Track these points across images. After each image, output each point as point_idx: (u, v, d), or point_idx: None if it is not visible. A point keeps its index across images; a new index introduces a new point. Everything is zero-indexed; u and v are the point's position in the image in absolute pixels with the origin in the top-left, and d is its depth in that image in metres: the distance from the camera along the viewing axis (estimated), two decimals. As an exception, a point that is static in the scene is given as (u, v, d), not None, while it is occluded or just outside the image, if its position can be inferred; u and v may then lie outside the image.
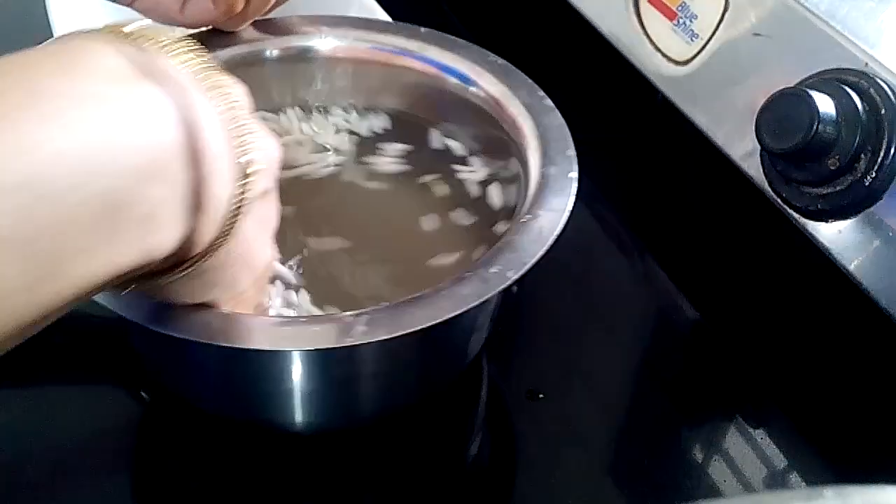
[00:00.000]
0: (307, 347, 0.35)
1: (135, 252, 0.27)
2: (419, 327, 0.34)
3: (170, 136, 0.27)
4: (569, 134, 0.44)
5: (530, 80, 0.47)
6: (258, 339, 0.34)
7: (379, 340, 0.34)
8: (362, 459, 0.44)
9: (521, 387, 0.47)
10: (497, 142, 0.47)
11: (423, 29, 0.50)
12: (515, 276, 0.36)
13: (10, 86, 0.24)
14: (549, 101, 0.46)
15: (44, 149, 0.23)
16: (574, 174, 0.41)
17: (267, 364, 0.39)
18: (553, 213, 0.39)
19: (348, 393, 0.42)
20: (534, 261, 0.37)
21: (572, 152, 0.43)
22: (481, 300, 0.35)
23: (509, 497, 0.44)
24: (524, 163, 0.44)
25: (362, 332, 0.34)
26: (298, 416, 0.41)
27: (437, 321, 0.34)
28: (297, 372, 0.39)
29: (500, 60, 0.48)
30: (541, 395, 0.47)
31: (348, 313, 0.35)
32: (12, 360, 0.25)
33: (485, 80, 0.48)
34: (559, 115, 0.45)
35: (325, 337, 0.34)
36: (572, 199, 0.40)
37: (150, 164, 0.26)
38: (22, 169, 0.23)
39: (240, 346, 0.34)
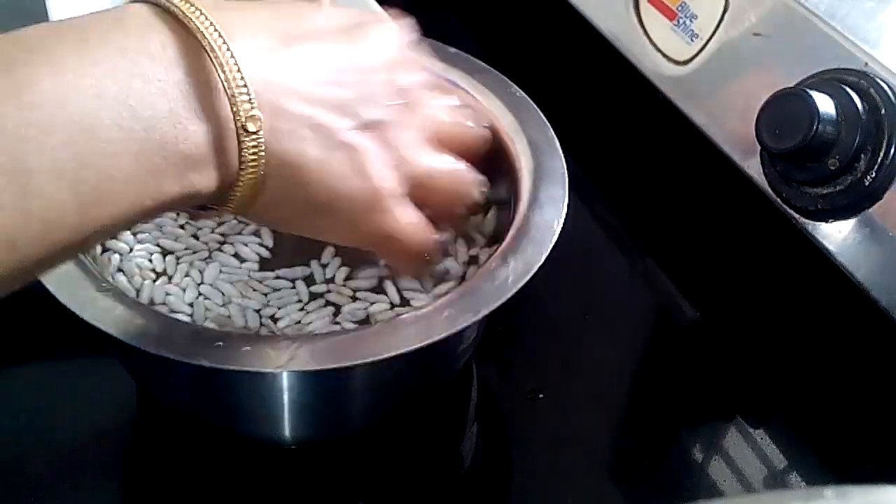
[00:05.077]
0: (232, 367, 0.34)
1: (177, 186, 0.30)
2: (347, 364, 0.34)
3: (172, 89, 0.30)
4: (566, 180, 0.42)
5: (543, 117, 0.46)
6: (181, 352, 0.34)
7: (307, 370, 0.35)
8: (360, 462, 0.44)
9: (522, 387, 0.47)
10: (497, 175, 0.47)
11: (451, 49, 0.48)
12: (462, 326, 0.36)
13: (65, 33, 0.29)
14: (556, 143, 0.44)
15: (88, 91, 0.28)
16: (558, 224, 0.40)
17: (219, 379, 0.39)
18: (524, 262, 0.38)
19: (329, 408, 0.41)
20: (488, 311, 0.36)
21: (564, 200, 0.41)
22: (421, 345, 0.35)
23: (509, 497, 0.44)
24: (513, 202, 0.43)
25: (294, 360, 0.34)
26: (279, 430, 0.41)
27: (364, 361, 0.34)
28: (259, 388, 0.39)
29: (520, 92, 0.47)
30: (541, 395, 0.47)
31: (285, 337, 0.36)
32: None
33: (498, 109, 0.46)
34: (563, 158, 0.44)
35: (255, 360, 0.34)
36: (548, 250, 0.39)
37: (179, 110, 0.29)
38: (70, 106, 0.27)
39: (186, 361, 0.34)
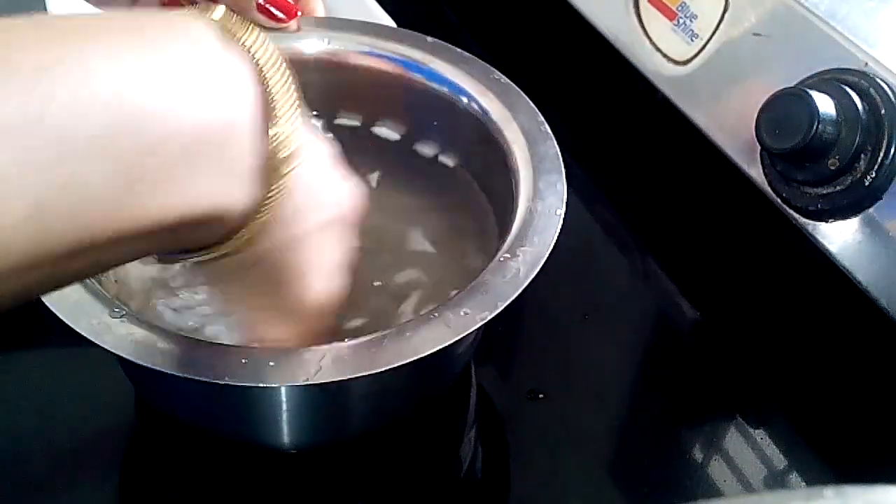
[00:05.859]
0: (262, 384, 0.34)
1: (206, 198, 0.29)
2: (376, 371, 0.34)
3: (248, 101, 0.30)
4: (562, 166, 0.42)
5: (531, 104, 0.46)
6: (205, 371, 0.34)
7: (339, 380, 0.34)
8: (360, 464, 0.44)
9: (522, 387, 0.47)
10: (490, 165, 0.47)
11: (429, 39, 0.49)
12: (483, 322, 0.35)
13: (116, 26, 0.28)
14: (546, 128, 0.44)
15: (138, 81, 0.26)
16: (561, 211, 0.40)
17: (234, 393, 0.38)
18: (532, 253, 0.38)
19: (331, 415, 0.41)
20: (505, 304, 0.36)
21: (563, 187, 0.41)
22: (443, 345, 0.35)
23: (509, 497, 0.44)
24: (514, 192, 0.43)
25: (322, 371, 0.34)
26: (281, 436, 0.41)
27: (392, 366, 0.34)
28: (267, 399, 0.39)
29: (504, 79, 0.47)
30: (541, 395, 0.47)
31: (307, 350, 0.35)
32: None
33: (486, 98, 0.46)
34: (555, 143, 0.43)
35: (282, 375, 0.34)
36: (554, 237, 0.39)
37: (229, 123, 0.29)
38: (115, 90, 0.26)
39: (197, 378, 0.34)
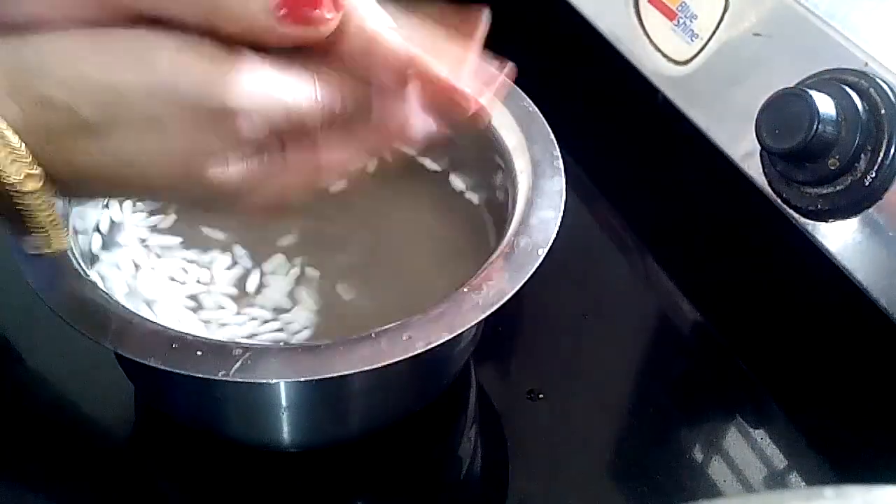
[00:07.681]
0: (178, 371, 0.34)
1: None
2: (291, 379, 0.35)
3: None
4: (561, 205, 0.41)
5: (552, 136, 0.45)
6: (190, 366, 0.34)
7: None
8: (358, 464, 0.44)
9: (521, 387, 0.47)
10: (496, 191, 0.46)
11: None
12: (421, 350, 0.35)
13: None
14: (559, 163, 0.43)
15: None
16: (543, 251, 0.39)
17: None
18: (497, 290, 0.37)
19: (328, 415, 0.41)
20: (462, 330, 0.36)
21: (555, 226, 0.40)
22: (372, 367, 0.34)
23: (509, 497, 0.44)
24: (508, 220, 0.42)
25: (240, 368, 0.34)
26: (274, 436, 0.41)
27: (312, 378, 0.34)
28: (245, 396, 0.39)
29: (532, 107, 0.46)
30: (541, 395, 0.47)
31: (238, 346, 0.35)
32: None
33: (507, 123, 0.45)
34: (563, 180, 0.42)
35: (204, 365, 0.34)
36: (528, 276, 0.38)
37: None
38: None
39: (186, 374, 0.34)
